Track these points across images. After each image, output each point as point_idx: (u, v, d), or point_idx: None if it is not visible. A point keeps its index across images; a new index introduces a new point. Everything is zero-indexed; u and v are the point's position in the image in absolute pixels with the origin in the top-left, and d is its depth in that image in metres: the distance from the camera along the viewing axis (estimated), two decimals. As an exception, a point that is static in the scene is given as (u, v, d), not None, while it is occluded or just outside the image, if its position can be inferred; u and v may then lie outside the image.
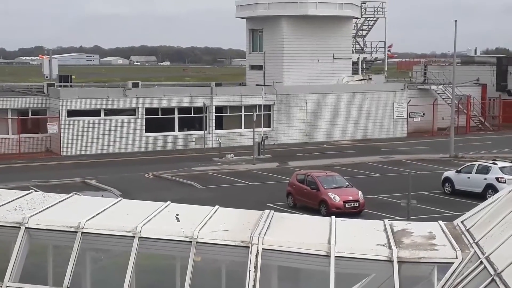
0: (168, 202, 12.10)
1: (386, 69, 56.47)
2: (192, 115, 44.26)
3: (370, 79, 51.90)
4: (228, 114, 45.50)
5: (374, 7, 52.75)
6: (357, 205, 25.96)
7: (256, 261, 9.97)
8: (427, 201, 27.76)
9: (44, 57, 51.13)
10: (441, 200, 28.83)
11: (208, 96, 44.34)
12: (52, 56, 50.38)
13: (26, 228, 10.61)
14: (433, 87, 52.99)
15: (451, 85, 43.49)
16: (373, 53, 54.45)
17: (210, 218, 11.15)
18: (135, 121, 42.52)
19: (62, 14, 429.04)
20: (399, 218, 22.68)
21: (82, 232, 10.49)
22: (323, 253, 10.02)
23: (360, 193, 26.41)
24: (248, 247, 10.10)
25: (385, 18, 53.32)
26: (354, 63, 52.48)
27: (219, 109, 45.04)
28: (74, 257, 10.30)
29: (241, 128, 45.46)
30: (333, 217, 11.47)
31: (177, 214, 11.28)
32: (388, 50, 54.74)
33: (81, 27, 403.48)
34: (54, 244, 11.09)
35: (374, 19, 53.19)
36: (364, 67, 54.72)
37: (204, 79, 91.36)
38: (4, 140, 40.46)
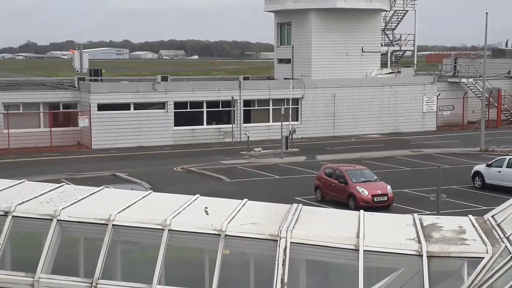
0: (197, 195, 12.17)
1: (415, 62, 55.94)
2: (220, 108, 44.41)
3: (399, 72, 51.47)
4: (256, 107, 45.54)
5: (404, 0, 52.21)
6: (386, 199, 25.82)
7: (285, 254, 9.99)
8: (457, 195, 27.49)
9: (75, 51, 51.71)
10: (471, 194, 28.52)
11: (236, 90, 44.43)
12: (83, 50, 50.92)
13: (58, 220, 10.77)
14: (463, 80, 52.33)
15: (482, 78, 42.90)
16: (402, 46, 53.94)
17: (238, 211, 11.19)
18: (164, 115, 42.82)
19: (92, 9, 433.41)
20: (428, 212, 22.51)
21: (113, 225, 10.61)
22: (352, 247, 9.99)
23: (389, 187, 26.26)
24: (277, 240, 10.11)
25: (415, 10, 52.80)
26: (383, 56, 52.07)
27: (247, 103, 45.10)
28: (105, 249, 10.43)
29: (269, 121, 45.47)
30: (361, 211, 11.43)
31: (206, 207, 11.35)
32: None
33: (111, 21, 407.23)
34: (85, 236, 11.23)
35: (404, 11, 52.68)
36: (393, 60, 54.26)
37: (232, 73, 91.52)
38: (36, 134, 41.07)
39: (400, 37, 53.84)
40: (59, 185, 12.74)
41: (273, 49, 56.09)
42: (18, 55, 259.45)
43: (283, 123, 39.80)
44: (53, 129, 40.97)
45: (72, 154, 39.29)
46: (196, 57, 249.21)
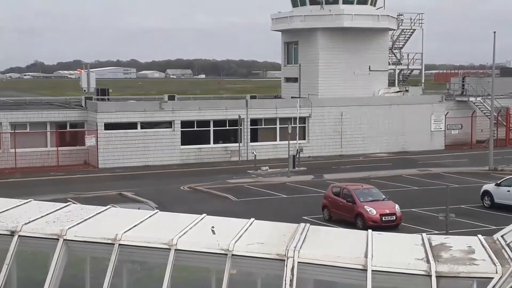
0: (204, 215, 12.13)
1: (423, 81, 55.94)
2: (227, 127, 44.45)
3: (407, 91, 51.47)
4: (263, 126, 45.57)
5: (411, 19, 52.37)
6: (394, 218, 25.67)
7: (292, 274, 9.90)
8: (466, 215, 27.28)
9: (82, 71, 52.03)
10: (480, 214, 28.31)
11: (243, 108, 44.50)
12: (90, 70, 51.23)
13: (64, 240, 10.74)
14: (472, 99, 52.25)
15: (490, 97, 42.81)
16: (410, 65, 54.00)
17: (245, 230, 11.13)
18: (171, 134, 42.89)
19: (99, 29, 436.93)
20: (437, 232, 22.34)
21: (119, 244, 10.56)
22: (360, 267, 9.90)
23: (397, 206, 26.12)
24: (284, 260, 10.04)
25: (422, 29, 52.89)
26: (391, 75, 52.10)
27: (254, 122, 45.14)
28: (111, 269, 10.38)
29: (276, 140, 45.46)
30: (369, 230, 11.34)
31: (213, 227, 11.29)
32: None
33: (118, 41, 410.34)
34: (91, 255, 11.20)
35: (411, 30, 52.79)
36: (401, 79, 54.29)
37: (239, 91, 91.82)
38: (43, 153, 41.17)
39: (408, 56, 53.89)
40: (65, 204, 12.73)
41: (280, 68, 56.24)
42: (25, 75, 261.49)
43: (290, 142, 39.77)
44: (60, 148, 41.08)
45: (79, 173, 39.33)
46: (203, 76, 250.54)
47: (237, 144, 44.05)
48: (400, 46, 53.62)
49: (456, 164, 42.18)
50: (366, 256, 10.02)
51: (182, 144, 43.10)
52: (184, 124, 43.23)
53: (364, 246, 10.46)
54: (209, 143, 44.05)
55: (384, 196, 27.08)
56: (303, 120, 45.87)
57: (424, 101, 49.89)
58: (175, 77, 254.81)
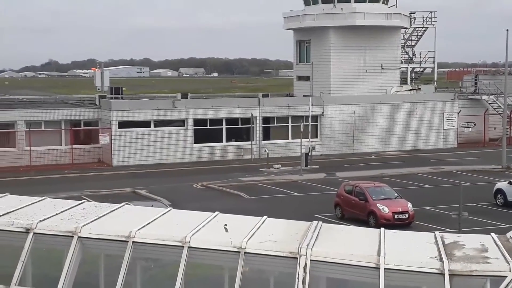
0: (217, 212, 12.19)
1: (435, 79, 55.68)
2: (240, 126, 44.53)
3: (419, 89, 51.27)
4: (275, 124, 45.60)
5: (423, 17, 52.16)
6: (407, 216, 25.62)
7: (305, 272, 9.94)
8: (479, 213, 27.18)
9: (96, 69, 52.26)
10: (493, 212, 28.18)
11: (255, 107, 44.55)
12: (104, 68, 51.45)
13: (79, 237, 10.84)
14: (484, 97, 51.97)
15: (503, 95, 42.55)
16: (422, 63, 53.78)
17: (258, 228, 11.17)
18: (184, 132, 43.02)
19: (113, 28, 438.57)
20: (450, 230, 22.28)
21: (133, 242, 10.65)
22: (373, 265, 9.91)
23: (409, 204, 26.07)
24: (297, 258, 10.08)
25: (435, 27, 52.65)
26: (403, 73, 51.94)
27: (266, 120, 45.18)
28: (125, 266, 10.46)
29: (288, 138, 45.47)
30: (382, 228, 11.35)
31: (226, 224, 11.34)
32: None
33: (132, 40, 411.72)
34: (105, 253, 11.27)
35: (423, 28, 52.58)
36: (413, 77, 54.09)
37: (252, 90, 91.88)
38: (58, 151, 41.44)
39: (420, 54, 53.68)
40: (80, 202, 12.83)
41: (292, 66, 56.20)
42: (40, 74, 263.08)
43: (303, 140, 39.76)
44: (74, 146, 41.33)
45: (93, 171, 39.56)
46: (215, 74, 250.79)
47: (249, 142, 44.11)
48: (413, 44, 53.41)
49: (468, 162, 42.00)
50: (378, 254, 10.03)
51: (195, 142, 43.22)
52: (197, 122, 43.35)
53: (377, 244, 10.47)
54: (222, 141, 44.14)
55: (396, 194, 27.03)
56: (315, 118, 45.84)
57: (437, 99, 49.70)
58: (188, 75, 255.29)
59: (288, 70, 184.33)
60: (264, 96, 47.56)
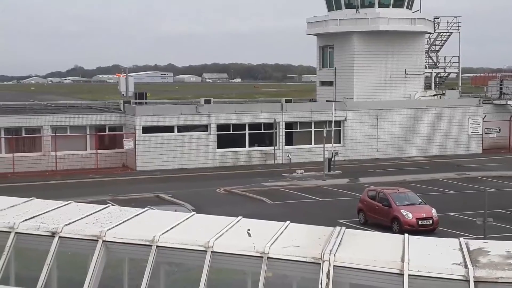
0: (240, 217, 12.21)
1: (460, 84, 55.19)
2: (263, 131, 44.57)
3: (443, 94, 50.86)
4: (298, 130, 45.56)
5: (448, 22, 51.77)
6: (431, 222, 25.41)
7: (328, 278, 9.91)
8: (504, 219, 26.85)
9: (121, 75, 52.73)
10: (520, 219, 27.79)
11: (278, 112, 44.56)
12: (128, 74, 51.88)
13: (103, 241, 10.93)
14: (510, 102, 51.35)
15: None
16: (446, 68, 53.37)
17: (281, 233, 11.17)
18: (207, 137, 43.18)
19: (137, 34, 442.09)
20: (474, 236, 22.02)
21: (157, 246, 10.72)
22: (396, 271, 9.85)
23: (433, 210, 25.85)
24: (320, 263, 10.05)
25: (459, 32, 52.23)
26: (427, 78, 51.59)
27: (289, 125, 45.17)
28: (149, 270, 10.53)
29: (311, 144, 45.39)
30: (406, 234, 11.27)
31: (249, 229, 11.36)
32: None
33: (156, 46, 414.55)
34: (130, 257, 11.35)
35: (448, 33, 52.17)
36: (438, 82, 53.68)
37: (275, 95, 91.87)
38: (83, 156, 41.86)
39: (444, 59, 53.26)
40: (104, 206, 12.95)
41: (315, 71, 56.12)
42: (65, 79, 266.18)
43: (326, 145, 39.66)
44: (99, 151, 41.71)
45: (117, 175, 39.86)
46: (238, 80, 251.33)
47: (272, 147, 44.12)
48: (437, 49, 53.03)
49: (494, 168, 41.51)
50: (402, 260, 9.97)
51: (218, 147, 43.35)
52: (220, 127, 43.48)
53: (401, 250, 10.41)
54: (245, 146, 44.22)
55: (420, 200, 26.82)
56: (338, 123, 45.70)
57: (461, 104, 49.24)
58: (211, 81, 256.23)
59: (311, 75, 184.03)
60: (287, 101, 47.55)
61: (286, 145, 44.72)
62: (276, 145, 44.14)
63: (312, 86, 71.20)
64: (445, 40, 52.75)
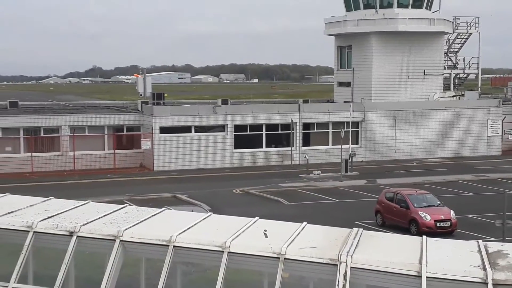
0: (256, 218, 12.20)
1: (479, 85, 54.73)
2: (280, 131, 44.53)
3: (462, 95, 50.49)
4: (315, 130, 45.46)
5: (467, 22, 51.39)
6: (449, 224, 25.21)
7: (345, 279, 9.87)
8: (524, 222, 26.52)
9: (139, 75, 52.96)
10: (540, 222, 27.46)
11: (295, 113, 44.50)
12: (146, 74, 52.09)
13: (121, 241, 10.98)
14: (530, 103, 50.81)
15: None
16: (466, 69, 52.95)
17: (298, 234, 11.14)
18: (224, 138, 43.24)
19: (156, 34, 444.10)
20: (493, 239, 21.83)
21: (174, 246, 10.74)
22: (414, 273, 9.79)
23: (452, 212, 25.64)
24: (337, 265, 10.02)
25: (479, 33, 51.80)
26: (446, 79, 51.24)
27: (306, 126, 45.08)
28: (166, 270, 10.55)
29: (328, 144, 45.27)
30: (424, 236, 11.20)
31: (265, 230, 11.35)
32: None
33: (174, 46, 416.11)
34: (147, 256, 11.39)
35: (467, 34, 51.77)
36: (457, 83, 53.28)
37: (292, 96, 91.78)
38: (101, 156, 42.11)
39: (464, 60, 52.87)
40: (122, 206, 13.01)
41: (333, 72, 55.96)
42: (84, 79, 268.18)
43: (343, 146, 39.54)
44: (116, 151, 41.93)
45: (135, 175, 40.05)
46: (256, 80, 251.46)
47: (289, 148, 44.07)
48: (456, 50, 52.65)
49: (514, 170, 41.08)
50: (420, 263, 9.90)
51: (235, 148, 43.39)
52: (237, 128, 43.52)
53: (419, 252, 10.34)
54: (262, 147, 44.20)
55: (439, 202, 26.62)
56: (356, 124, 45.53)
57: (481, 105, 48.82)
58: (228, 81, 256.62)
59: (329, 76, 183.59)
60: (305, 102, 47.46)
61: (303, 146, 44.64)
62: (293, 146, 44.08)
63: (330, 87, 71.03)
64: (465, 41, 52.36)
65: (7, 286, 10.89)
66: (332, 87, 56.95)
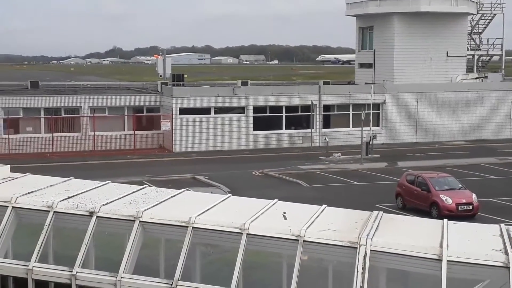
0: (276, 200, 12.16)
1: (503, 67, 53.92)
2: (300, 113, 44.34)
3: (486, 77, 49.82)
4: (335, 112, 45.20)
5: (491, 3, 50.49)
6: (471, 208, 24.98)
7: (364, 262, 9.80)
8: (547, 206, 26.23)
9: (159, 56, 53.00)
10: None
11: (315, 94, 44.25)
12: (166, 55, 52.09)
13: (140, 221, 11.00)
14: (555, 85, 49.98)
15: None
16: (489, 51, 52.18)
17: (317, 217, 11.09)
18: (243, 119, 43.17)
19: (175, 15, 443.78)
20: (516, 223, 21.58)
21: (193, 227, 10.74)
22: (435, 256, 9.70)
23: (474, 195, 25.40)
24: (356, 247, 9.95)
25: (503, 14, 50.89)
26: (469, 60, 50.56)
27: (326, 108, 44.83)
28: (185, 251, 10.56)
29: (349, 127, 45.02)
30: (445, 219, 11.08)
31: (284, 212, 11.31)
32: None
33: (194, 27, 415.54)
34: (166, 237, 11.42)
35: (491, 15, 50.91)
36: (480, 65, 52.55)
37: (312, 77, 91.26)
38: (121, 136, 42.32)
39: (487, 41, 52.09)
40: (141, 187, 13.03)
41: (354, 53, 55.46)
42: (104, 60, 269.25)
43: (364, 128, 39.28)
44: (136, 132, 42.11)
45: (154, 156, 40.21)
46: (276, 62, 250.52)
47: (309, 130, 43.89)
48: (480, 31, 51.85)
49: (537, 154, 40.57)
50: (441, 246, 9.80)
51: (254, 130, 43.32)
52: (257, 109, 43.41)
53: (439, 235, 10.24)
54: (281, 129, 44.08)
55: (460, 185, 26.38)
56: (377, 106, 45.18)
57: (504, 87, 48.15)
58: (248, 63, 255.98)
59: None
60: (325, 83, 47.14)
61: (323, 128, 44.43)
62: (313, 128, 43.89)
63: (351, 68, 70.54)
64: (489, 22, 51.53)
65: (27, 266, 10.99)
66: (353, 69, 56.49)
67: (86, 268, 10.91)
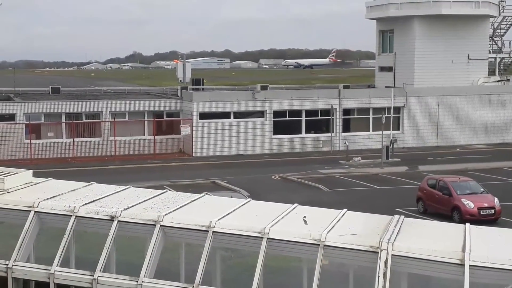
0: (296, 204, 12.12)
1: (526, 69, 53.40)
2: (319, 117, 44.25)
3: (508, 80, 49.32)
4: (355, 116, 45.02)
5: (513, 5, 50.04)
6: (493, 212, 24.70)
7: (386, 267, 9.73)
8: None
9: (178, 61, 53.25)
10: None
11: (335, 98, 44.12)
12: (186, 60, 52.31)
13: (161, 226, 11.04)
14: None
15: None
16: (511, 53, 51.66)
17: (337, 221, 11.03)
18: (263, 124, 43.17)
19: (195, 20, 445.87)
20: (539, 227, 21.28)
21: (213, 231, 10.74)
22: (457, 261, 9.60)
23: (496, 200, 25.12)
24: (377, 252, 9.89)
25: (526, 16, 50.41)
26: (491, 63, 50.10)
27: (346, 112, 44.68)
28: (205, 256, 10.57)
29: (369, 131, 44.82)
30: (467, 224, 10.97)
31: (305, 217, 11.27)
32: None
33: (213, 32, 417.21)
34: (186, 242, 11.43)
35: (513, 17, 50.44)
36: (502, 67, 52.06)
37: (332, 81, 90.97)
38: (141, 141, 42.54)
39: (510, 43, 51.58)
40: (162, 191, 13.08)
41: (374, 57, 55.26)
42: (124, 65, 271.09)
43: (384, 132, 39.07)
44: (156, 137, 42.30)
45: (174, 161, 40.35)
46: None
47: (329, 134, 43.77)
48: (502, 33, 51.40)
49: (561, 157, 40.02)
50: (463, 251, 9.70)
51: (274, 134, 43.30)
52: (276, 113, 43.39)
53: (462, 240, 10.13)
54: (301, 133, 44.01)
55: (482, 189, 26.11)
56: (397, 110, 44.93)
57: (527, 90, 47.62)
58: (267, 67, 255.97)
59: (370, 60, 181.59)
60: (345, 87, 47.00)
61: (343, 132, 44.29)
62: (333, 132, 43.76)
63: (371, 72, 70.25)
64: (511, 24, 51.08)
65: (49, 270, 11.07)
66: (373, 72, 56.27)
67: (108, 272, 10.95)
